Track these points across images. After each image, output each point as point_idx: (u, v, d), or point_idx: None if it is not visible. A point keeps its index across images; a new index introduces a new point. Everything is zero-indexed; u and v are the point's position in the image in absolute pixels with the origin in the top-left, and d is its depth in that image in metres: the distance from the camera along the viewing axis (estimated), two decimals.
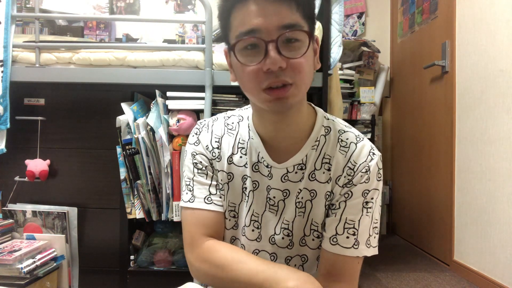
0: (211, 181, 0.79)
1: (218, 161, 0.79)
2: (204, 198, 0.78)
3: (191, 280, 0.89)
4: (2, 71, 1.63)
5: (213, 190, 0.78)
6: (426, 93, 2.57)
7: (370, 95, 2.79)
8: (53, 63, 1.71)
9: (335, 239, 0.73)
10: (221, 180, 0.79)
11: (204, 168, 0.79)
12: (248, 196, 0.78)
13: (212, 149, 0.80)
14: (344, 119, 0.91)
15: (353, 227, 0.72)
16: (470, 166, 2.06)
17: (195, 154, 0.80)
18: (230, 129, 0.81)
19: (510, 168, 1.75)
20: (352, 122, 2.72)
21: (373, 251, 0.75)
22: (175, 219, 1.62)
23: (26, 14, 2.61)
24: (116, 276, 1.75)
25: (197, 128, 0.83)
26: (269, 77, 0.63)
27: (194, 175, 0.79)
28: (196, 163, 0.79)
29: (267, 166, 0.76)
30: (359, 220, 0.73)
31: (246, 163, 0.78)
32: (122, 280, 1.74)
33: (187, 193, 0.79)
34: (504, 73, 1.80)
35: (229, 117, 0.84)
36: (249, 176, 0.77)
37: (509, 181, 1.76)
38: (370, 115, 2.78)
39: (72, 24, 2.62)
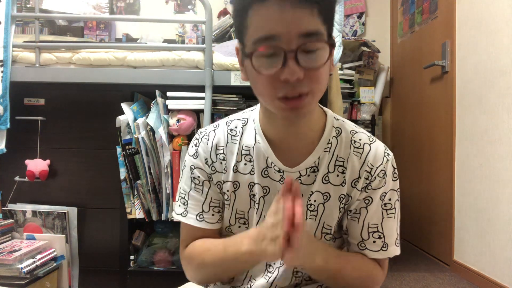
0: (205, 197, 0.78)
1: (223, 173, 0.77)
2: (196, 215, 0.78)
3: None
4: (2, 71, 1.63)
5: (205, 208, 0.78)
6: (426, 93, 2.57)
7: (370, 95, 2.79)
8: (53, 63, 1.71)
9: (362, 245, 0.75)
10: (227, 190, 0.77)
11: (200, 184, 0.78)
12: (258, 203, 0.76)
13: (212, 163, 0.77)
14: None
15: (377, 231, 0.74)
16: (470, 166, 2.06)
17: (193, 168, 0.78)
18: (234, 135, 0.78)
19: (510, 168, 1.75)
20: (352, 122, 2.71)
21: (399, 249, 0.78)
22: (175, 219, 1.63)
23: (26, 14, 2.62)
24: (116, 276, 1.75)
25: (196, 138, 0.80)
26: (286, 87, 0.61)
27: (191, 189, 0.79)
28: (193, 178, 0.78)
29: (278, 171, 0.74)
30: (381, 223, 0.74)
31: (252, 170, 0.76)
32: (122, 280, 1.74)
33: (179, 206, 0.80)
34: (504, 73, 1.80)
35: (231, 121, 0.80)
36: (257, 183, 0.75)
37: (509, 181, 1.76)
38: (370, 115, 2.78)
39: (72, 24, 2.63)
